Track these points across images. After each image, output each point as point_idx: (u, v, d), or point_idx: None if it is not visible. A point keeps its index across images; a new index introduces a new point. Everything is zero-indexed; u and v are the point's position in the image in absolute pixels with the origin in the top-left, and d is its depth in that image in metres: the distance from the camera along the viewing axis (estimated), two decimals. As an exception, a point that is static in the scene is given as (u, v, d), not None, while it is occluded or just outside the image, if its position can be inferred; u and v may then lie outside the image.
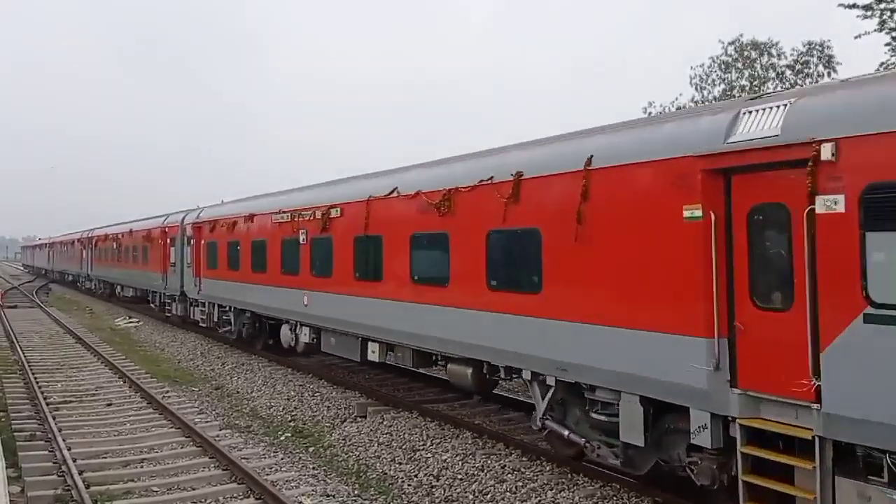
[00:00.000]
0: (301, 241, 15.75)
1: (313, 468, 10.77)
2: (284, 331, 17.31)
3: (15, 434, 11.95)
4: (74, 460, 10.41)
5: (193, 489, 9.58)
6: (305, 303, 15.55)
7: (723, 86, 30.04)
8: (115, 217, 51.76)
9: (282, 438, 12.58)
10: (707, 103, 28.14)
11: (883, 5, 19.32)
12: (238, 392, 16.45)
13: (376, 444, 11.68)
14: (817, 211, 6.25)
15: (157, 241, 28.59)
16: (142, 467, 10.56)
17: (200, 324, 23.75)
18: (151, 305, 31.39)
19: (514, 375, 10.38)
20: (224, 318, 21.57)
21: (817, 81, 26.69)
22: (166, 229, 27.59)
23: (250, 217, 18.78)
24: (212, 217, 22.30)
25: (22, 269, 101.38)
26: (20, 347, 21.69)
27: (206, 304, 22.83)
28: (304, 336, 16.16)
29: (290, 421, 13.69)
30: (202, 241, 22.72)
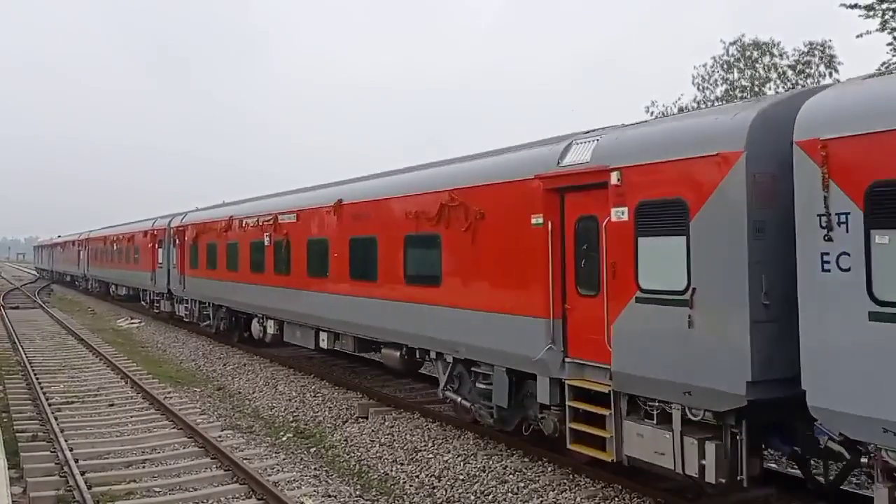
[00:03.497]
0: None
1: (315, 469, 10.79)
2: None
3: (17, 435, 11.97)
4: (76, 461, 10.42)
5: (195, 490, 9.58)
6: None
7: (725, 86, 30.00)
8: (117, 218, 42.08)
9: (283, 439, 12.59)
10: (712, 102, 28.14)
11: (885, 5, 19.29)
12: (240, 393, 16.47)
13: (378, 445, 11.68)
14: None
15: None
16: (144, 468, 10.57)
17: None
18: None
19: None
20: None
21: (818, 82, 26.64)
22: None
23: None
24: None
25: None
26: (22, 348, 21.72)
27: None
28: None
29: (291, 422, 13.70)
30: None
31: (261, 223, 18.39)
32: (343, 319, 14.46)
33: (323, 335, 15.58)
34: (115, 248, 37.03)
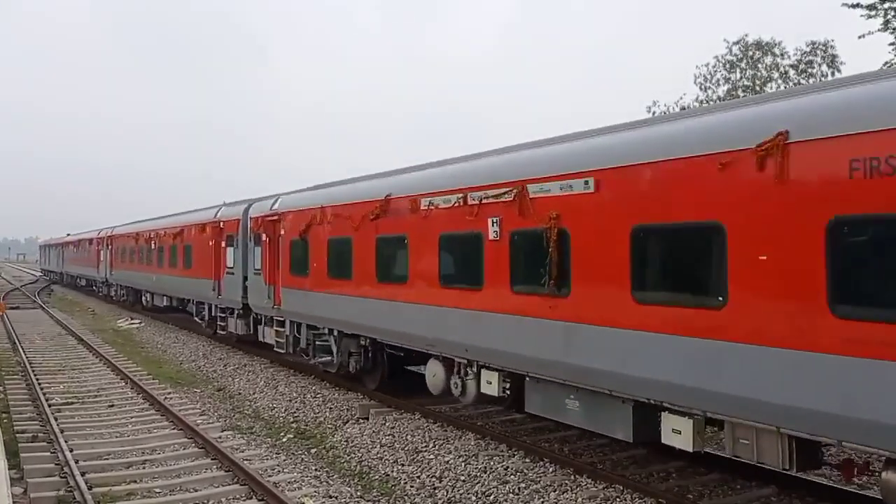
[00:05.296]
0: None
1: (316, 470, 10.76)
2: None
3: (17, 435, 11.95)
4: (77, 461, 10.39)
5: (196, 490, 9.56)
6: None
7: (727, 86, 29.96)
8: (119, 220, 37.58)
9: (284, 440, 12.57)
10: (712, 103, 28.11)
11: (887, 5, 19.27)
12: (240, 393, 16.44)
13: (379, 446, 11.66)
14: None
15: None
16: (144, 468, 10.54)
17: None
18: None
19: None
20: None
21: (820, 81, 26.63)
22: None
23: None
24: None
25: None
26: (22, 349, 21.70)
27: None
28: None
29: (292, 422, 13.68)
30: None
31: (472, 203, 10.46)
32: (791, 403, 6.46)
33: (677, 422, 7.72)
34: (152, 246, 29.51)
